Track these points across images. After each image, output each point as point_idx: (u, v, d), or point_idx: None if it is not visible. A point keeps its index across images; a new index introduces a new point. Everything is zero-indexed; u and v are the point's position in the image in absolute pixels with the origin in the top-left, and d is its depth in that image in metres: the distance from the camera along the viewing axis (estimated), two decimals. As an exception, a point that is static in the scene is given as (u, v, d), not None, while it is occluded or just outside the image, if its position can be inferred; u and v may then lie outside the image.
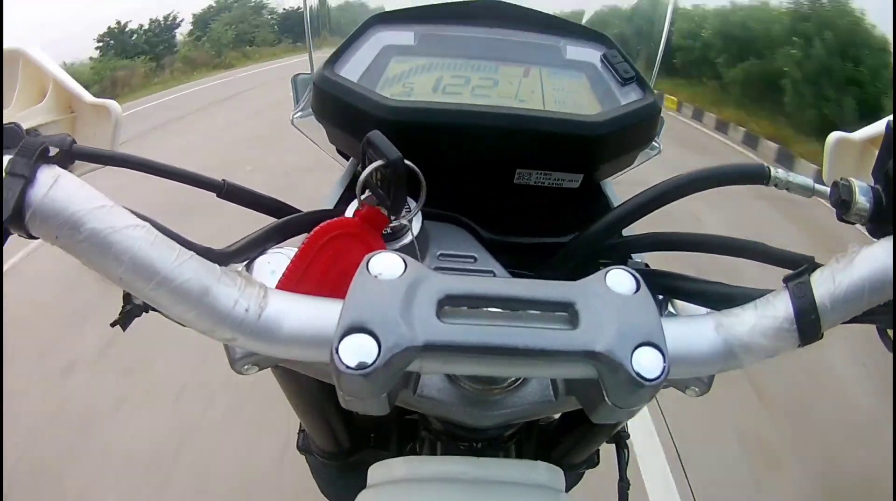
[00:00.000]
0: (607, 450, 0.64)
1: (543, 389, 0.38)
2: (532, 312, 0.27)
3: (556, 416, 0.61)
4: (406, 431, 0.57)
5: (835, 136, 0.51)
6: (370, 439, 0.61)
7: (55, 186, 0.26)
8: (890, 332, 0.33)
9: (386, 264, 0.26)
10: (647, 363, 0.24)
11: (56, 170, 0.26)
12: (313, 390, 0.50)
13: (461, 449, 0.45)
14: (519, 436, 0.48)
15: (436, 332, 0.25)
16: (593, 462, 0.64)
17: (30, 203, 0.25)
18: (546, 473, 0.41)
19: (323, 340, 0.26)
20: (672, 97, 8.11)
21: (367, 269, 0.26)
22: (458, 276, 0.27)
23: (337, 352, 0.24)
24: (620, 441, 0.62)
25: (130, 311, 0.38)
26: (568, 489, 0.62)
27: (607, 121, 0.40)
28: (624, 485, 0.62)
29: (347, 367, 0.23)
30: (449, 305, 0.26)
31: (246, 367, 0.36)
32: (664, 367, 0.24)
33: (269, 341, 0.27)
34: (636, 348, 0.25)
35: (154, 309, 0.37)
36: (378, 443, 0.60)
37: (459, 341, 0.25)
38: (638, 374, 0.24)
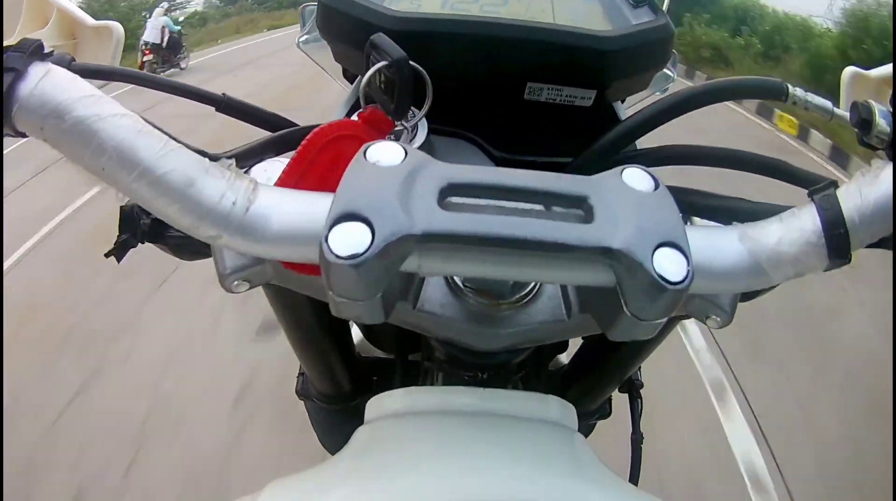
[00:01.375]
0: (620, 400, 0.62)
1: (555, 307, 0.36)
2: (541, 207, 0.25)
3: (566, 360, 0.60)
4: (410, 372, 0.56)
5: (850, 70, 0.50)
6: (373, 381, 0.60)
7: (45, 79, 0.24)
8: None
9: (385, 152, 0.24)
10: (669, 265, 0.22)
11: (48, 65, 0.25)
12: (312, 322, 0.48)
13: (465, 380, 0.44)
14: (527, 372, 0.47)
15: (436, 220, 0.22)
16: (605, 411, 0.62)
17: (17, 96, 0.24)
18: (558, 408, 0.38)
19: (314, 235, 0.24)
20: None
21: (365, 156, 0.24)
22: (463, 165, 0.25)
23: (326, 241, 0.22)
24: (633, 389, 0.60)
25: (125, 241, 0.37)
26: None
27: (620, 36, 0.38)
28: (637, 438, 0.59)
29: (338, 257, 0.21)
30: (452, 195, 0.24)
31: (236, 282, 0.34)
32: (688, 270, 0.22)
33: (256, 237, 0.25)
34: (657, 247, 0.22)
35: (150, 241, 0.37)
36: (381, 385, 0.59)
37: (462, 230, 0.22)
38: (660, 276, 0.22)
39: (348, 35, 0.40)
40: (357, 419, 0.39)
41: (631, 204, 0.24)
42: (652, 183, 0.25)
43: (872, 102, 0.31)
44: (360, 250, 0.22)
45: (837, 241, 0.25)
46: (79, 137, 0.24)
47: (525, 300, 0.36)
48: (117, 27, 0.44)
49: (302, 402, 0.65)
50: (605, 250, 0.22)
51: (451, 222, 0.23)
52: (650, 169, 0.26)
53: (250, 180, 0.26)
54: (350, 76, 0.49)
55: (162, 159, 0.25)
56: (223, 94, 0.38)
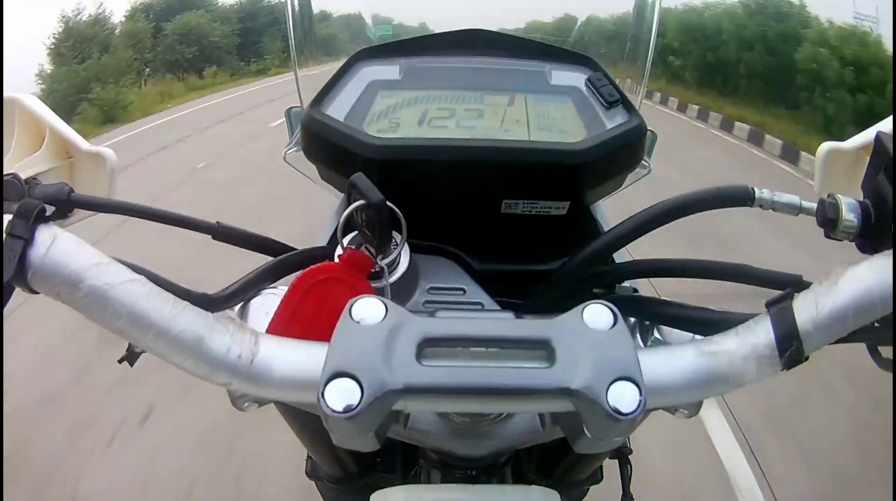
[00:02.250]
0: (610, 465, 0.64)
1: (531, 419, 0.39)
2: (510, 350, 0.28)
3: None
4: (410, 454, 0.58)
5: (826, 146, 0.50)
6: (377, 463, 0.62)
7: (53, 246, 0.27)
8: (882, 349, 0.32)
9: (368, 310, 0.27)
10: (623, 397, 0.25)
11: (53, 229, 0.28)
12: (316, 421, 0.50)
13: (457, 477, 0.46)
14: (517, 460, 0.49)
15: (415, 375, 0.26)
16: (597, 478, 0.64)
17: (30, 263, 0.27)
18: (540, 497, 0.41)
19: (311, 384, 0.27)
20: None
21: (350, 315, 0.28)
22: (437, 319, 0.29)
23: (323, 397, 0.25)
24: (623, 456, 0.63)
25: (136, 349, 0.39)
26: None
27: (591, 148, 0.41)
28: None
29: (333, 411, 0.25)
30: (429, 347, 0.27)
31: (246, 404, 0.38)
32: (640, 400, 0.25)
33: (261, 385, 0.28)
34: (612, 383, 0.25)
35: None
36: (384, 467, 0.61)
37: (438, 383, 0.26)
38: (614, 409, 0.25)
39: (331, 161, 0.43)
40: (364, 496, 0.41)
41: (589, 343, 0.26)
42: (611, 320, 0.28)
43: (839, 198, 0.33)
44: (353, 404, 0.25)
45: (791, 352, 0.28)
46: (94, 304, 0.27)
47: (503, 416, 0.38)
48: (110, 155, 0.46)
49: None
50: (565, 390, 0.25)
51: (428, 376, 0.26)
52: (614, 302, 0.29)
53: (252, 333, 0.29)
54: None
55: (172, 321, 0.28)
56: (217, 222, 0.40)
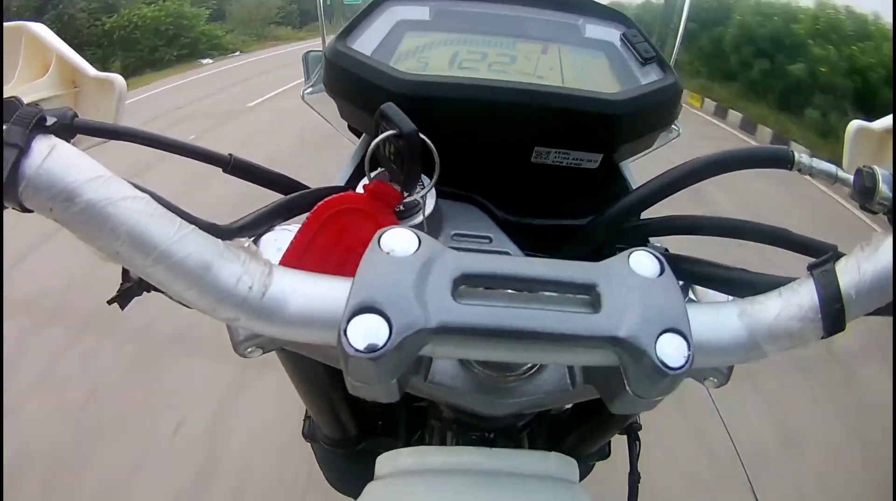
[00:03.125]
0: (619, 441, 0.62)
1: (560, 377, 0.36)
2: (552, 293, 0.25)
3: (569, 406, 0.60)
4: (415, 418, 0.56)
5: (855, 125, 0.50)
6: (378, 426, 0.60)
7: (50, 156, 0.24)
8: None
9: (399, 241, 0.25)
10: (671, 350, 0.23)
11: (52, 139, 0.25)
12: (319, 374, 0.48)
13: (472, 439, 0.44)
14: (531, 427, 0.47)
15: (450, 313, 0.23)
16: (605, 453, 0.63)
17: (23, 174, 0.24)
18: (559, 464, 0.39)
19: (331, 321, 0.24)
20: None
21: (379, 245, 0.25)
22: (475, 254, 0.26)
23: (345, 334, 0.22)
24: (632, 432, 0.61)
25: (129, 289, 0.36)
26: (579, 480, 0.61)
27: (628, 100, 0.39)
28: (634, 478, 0.60)
29: (356, 350, 0.22)
30: (465, 284, 0.24)
31: (249, 350, 0.34)
32: (689, 355, 0.23)
33: (273, 321, 0.25)
34: (660, 334, 0.23)
35: (155, 289, 0.37)
36: (386, 431, 0.59)
37: (475, 323, 0.23)
38: (662, 362, 0.23)
39: (355, 95, 0.40)
40: (363, 462, 0.39)
41: (637, 290, 0.25)
42: (658, 268, 0.26)
43: (876, 168, 0.32)
44: (379, 343, 0.22)
45: (833, 316, 0.26)
46: (90, 220, 0.24)
47: (531, 372, 0.36)
48: (119, 80, 0.43)
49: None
50: (612, 339, 0.23)
51: (465, 316, 0.23)
52: (656, 251, 0.26)
53: (265, 263, 0.26)
54: (355, 130, 0.49)
55: (177, 244, 0.25)
56: (230, 154, 0.38)
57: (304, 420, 0.63)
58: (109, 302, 0.37)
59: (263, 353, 0.35)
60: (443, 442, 0.46)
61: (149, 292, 0.36)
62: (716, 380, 0.37)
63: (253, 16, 15.53)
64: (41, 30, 0.49)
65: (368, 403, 0.61)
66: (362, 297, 0.23)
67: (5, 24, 0.48)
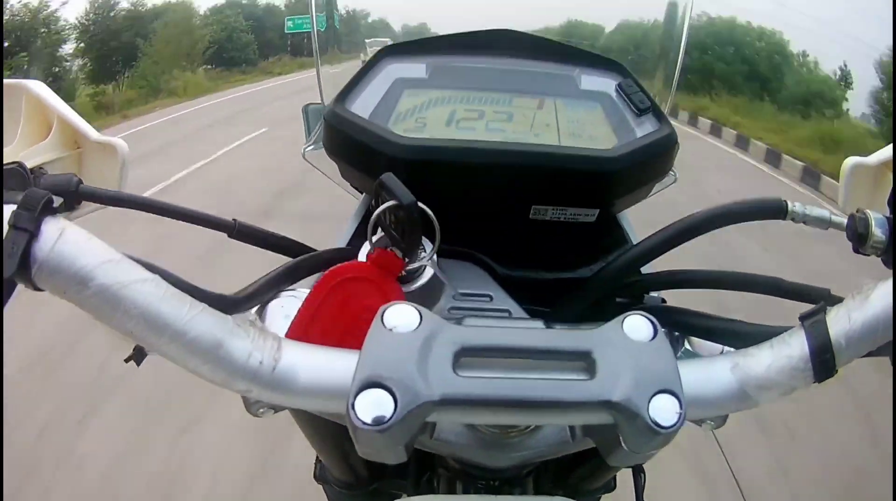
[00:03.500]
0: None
1: (560, 431, 0.37)
2: (549, 361, 0.27)
3: None
4: (424, 461, 0.56)
5: (850, 161, 0.51)
6: (387, 469, 0.60)
7: (61, 240, 0.25)
8: None
9: (401, 317, 0.26)
10: (663, 410, 0.24)
11: (61, 222, 0.26)
12: (329, 424, 0.49)
13: (479, 487, 0.44)
14: (537, 470, 0.47)
15: (452, 386, 0.24)
16: (610, 486, 0.63)
17: (35, 258, 0.24)
18: None
19: (339, 392, 0.25)
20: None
21: (382, 322, 0.26)
22: (474, 327, 0.27)
23: (353, 408, 0.23)
24: (637, 466, 0.61)
25: (144, 349, 0.37)
26: None
27: (623, 155, 0.40)
28: None
29: (364, 423, 0.23)
30: (465, 357, 0.26)
31: (261, 410, 0.36)
32: (680, 414, 0.24)
33: (284, 393, 0.27)
34: (653, 396, 0.25)
35: None
36: (396, 473, 0.59)
37: (476, 394, 0.25)
38: (655, 422, 0.24)
39: (355, 158, 0.41)
40: None
41: (630, 355, 0.26)
42: (651, 331, 0.27)
43: (869, 213, 0.33)
44: (385, 416, 0.23)
45: (823, 364, 0.27)
46: (104, 304, 0.25)
47: (532, 428, 0.37)
48: (122, 145, 0.44)
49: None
50: (606, 403, 0.25)
51: (466, 387, 0.25)
52: (651, 312, 0.28)
53: (273, 338, 0.27)
54: (359, 187, 0.50)
55: (188, 325, 0.26)
56: (234, 219, 0.38)
57: (316, 464, 0.64)
58: (126, 361, 0.38)
59: (275, 413, 0.37)
60: (450, 488, 0.47)
61: None
62: (712, 423, 0.39)
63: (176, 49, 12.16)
64: (41, 89, 0.49)
65: None
66: (368, 373, 0.24)
67: (5, 82, 0.49)
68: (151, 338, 0.25)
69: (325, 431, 0.51)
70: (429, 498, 0.41)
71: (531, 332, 0.27)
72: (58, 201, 0.28)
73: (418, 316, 0.26)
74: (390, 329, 0.26)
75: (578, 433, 0.37)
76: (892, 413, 1.66)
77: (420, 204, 0.32)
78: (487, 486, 0.44)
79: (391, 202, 0.32)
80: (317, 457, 0.62)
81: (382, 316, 0.26)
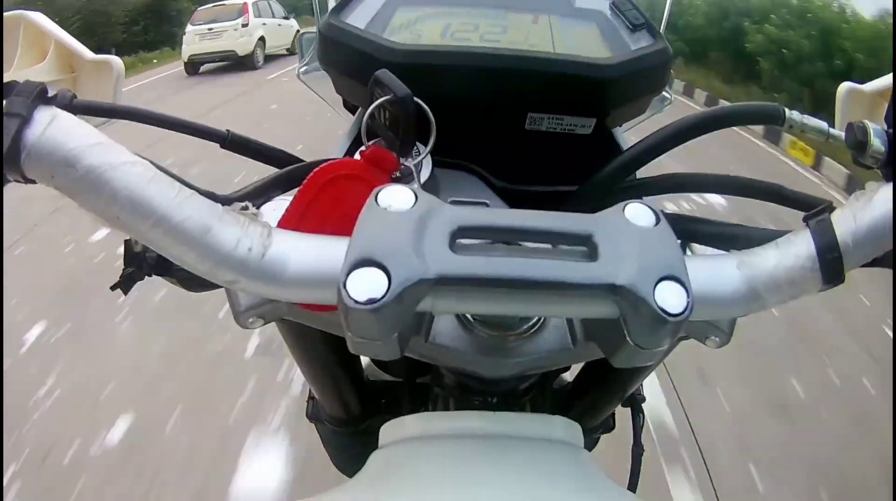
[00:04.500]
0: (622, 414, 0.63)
1: (561, 336, 0.37)
2: (549, 245, 0.26)
3: (570, 378, 0.60)
4: (418, 395, 0.57)
5: (846, 86, 0.50)
6: (381, 404, 0.60)
7: (52, 125, 0.25)
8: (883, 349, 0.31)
9: (396, 197, 0.25)
10: (670, 297, 0.23)
11: (54, 110, 0.25)
12: (322, 350, 0.49)
13: (475, 404, 0.44)
14: (534, 393, 0.47)
15: (449, 264, 0.23)
16: (609, 426, 0.63)
17: (25, 143, 0.24)
18: (564, 428, 0.39)
19: (331, 279, 0.24)
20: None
21: (376, 201, 0.25)
22: (472, 207, 0.26)
23: (345, 287, 0.22)
24: (636, 404, 0.61)
25: (131, 274, 0.37)
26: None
27: (619, 63, 0.39)
28: (638, 450, 0.60)
29: (356, 302, 0.22)
30: (462, 237, 0.25)
31: (251, 320, 0.35)
32: (688, 302, 0.23)
33: (273, 282, 0.26)
34: (658, 281, 0.23)
35: (157, 274, 0.37)
36: (389, 408, 0.60)
37: (474, 272, 0.23)
38: (661, 309, 0.23)
39: (350, 67, 0.41)
40: (367, 440, 0.39)
41: (634, 240, 0.25)
42: (653, 218, 0.26)
43: (867, 123, 0.32)
44: (378, 296, 0.22)
45: (831, 265, 0.26)
46: (91, 186, 0.24)
47: (532, 331, 0.36)
48: (116, 62, 0.43)
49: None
50: (610, 286, 0.23)
51: (463, 266, 0.23)
52: (651, 203, 0.27)
53: (264, 226, 0.26)
54: (350, 107, 0.50)
55: (176, 207, 0.25)
56: (227, 130, 0.38)
57: (308, 401, 0.64)
58: (112, 288, 0.37)
59: (265, 323, 0.36)
60: (446, 409, 0.47)
61: (150, 275, 0.37)
62: (717, 339, 0.37)
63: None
64: (39, 18, 0.49)
65: (372, 381, 0.62)
66: (361, 251, 0.23)
67: (5, 14, 0.49)
68: (137, 222, 0.25)
69: (319, 357, 0.51)
70: (423, 416, 0.40)
71: (531, 214, 0.26)
72: (53, 91, 0.27)
73: (413, 196, 0.25)
74: (384, 208, 0.25)
75: (580, 337, 0.36)
76: (892, 413, 1.60)
77: (416, 99, 0.31)
78: (484, 403, 0.44)
79: (386, 97, 0.31)
80: (309, 393, 0.62)
81: (377, 196, 0.25)
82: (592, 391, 0.55)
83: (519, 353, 0.36)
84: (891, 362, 1.93)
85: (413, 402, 0.57)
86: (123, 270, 0.36)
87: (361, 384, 0.58)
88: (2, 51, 0.45)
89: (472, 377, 0.42)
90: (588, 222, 0.25)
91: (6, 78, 0.44)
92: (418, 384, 0.57)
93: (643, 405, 0.61)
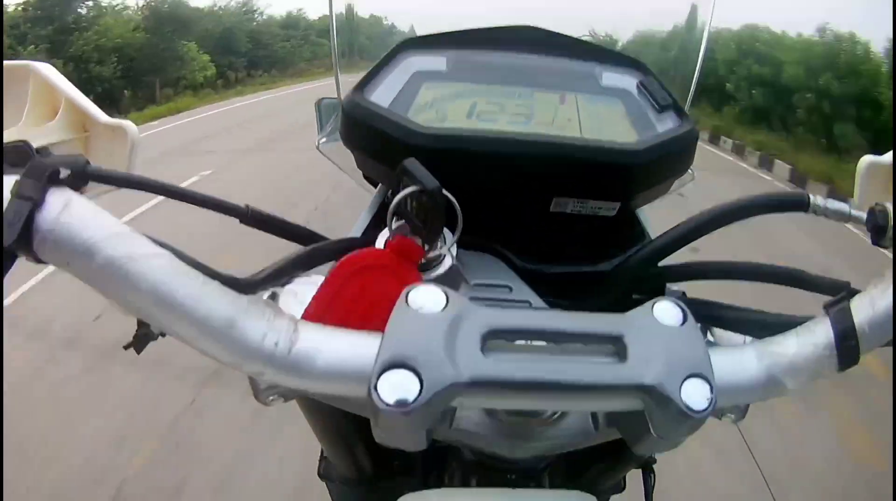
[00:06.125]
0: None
1: (583, 420, 0.36)
2: (578, 345, 0.26)
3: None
4: (433, 458, 0.55)
5: (866, 160, 0.51)
6: (395, 466, 0.58)
7: (66, 211, 0.24)
8: None
9: (427, 298, 0.25)
10: (695, 395, 0.24)
11: (67, 193, 0.25)
12: (337, 416, 0.47)
13: (494, 480, 0.43)
14: (551, 465, 0.46)
15: (481, 367, 0.23)
16: (620, 487, 0.62)
17: (38, 228, 0.23)
18: None
19: (360, 375, 0.24)
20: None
21: (407, 302, 0.25)
22: (502, 309, 0.26)
23: (375, 389, 0.22)
24: (647, 466, 0.61)
25: (145, 334, 0.36)
26: None
27: (646, 149, 0.39)
28: None
29: (387, 404, 0.22)
30: (493, 339, 0.25)
31: (271, 398, 0.35)
32: (711, 398, 0.24)
33: (301, 376, 0.25)
34: (685, 380, 0.24)
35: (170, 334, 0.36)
36: (403, 470, 0.58)
37: (506, 376, 0.24)
38: (687, 406, 0.24)
39: (374, 148, 0.40)
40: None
41: (662, 339, 0.25)
42: (681, 317, 0.26)
43: (888, 206, 0.33)
44: (410, 399, 0.22)
45: (848, 351, 0.27)
46: (111, 278, 0.24)
47: (556, 417, 0.36)
48: (132, 128, 0.42)
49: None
50: (639, 386, 0.24)
51: (495, 369, 0.24)
52: (678, 300, 0.27)
53: (290, 319, 0.26)
54: (370, 179, 0.49)
55: (200, 301, 0.24)
56: (246, 205, 0.37)
57: (320, 460, 0.62)
58: (126, 348, 0.37)
59: (286, 401, 0.36)
60: (464, 483, 0.46)
61: (164, 336, 0.36)
62: (733, 416, 0.39)
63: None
64: (49, 71, 0.48)
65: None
66: (393, 352, 0.23)
67: (11, 63, 0.48)
68: (160, 315, 0.24)
69: (333, 422, 0.49)
70: (444, 492, 0.39)
71: (561, 315, 0.26)
72: (65, 173, 0.26)
73: (445, 297, 0.25)
74: (416, 310, 0.25)
75: (602, 422, 0.36)
76: (892, 412, 1.66)
77: (444, 191, 0.31)
78: (503, 480, 0.43)
79: (413, 187, 0.31)
80: (321, 453, 0.61)
81: (407, 296, 0.25)
82: (608, 458, 0.54)
83: (541, 437, 0.36)
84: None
85: (426, 466, 0.55)
86: (137, 329, 0.36)
87: (374, 445, 0.56)
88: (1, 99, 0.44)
89: (492, 456, 0.41)
90: (618, 324, 0.26)
91: (15, 135, 0.43)
92: (434, 448, 0.55)
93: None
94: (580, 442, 0.37)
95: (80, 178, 0.36)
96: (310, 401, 0.45)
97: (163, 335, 0.35)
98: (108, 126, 0.44)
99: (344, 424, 0.50)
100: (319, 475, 0.62)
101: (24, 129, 0.44)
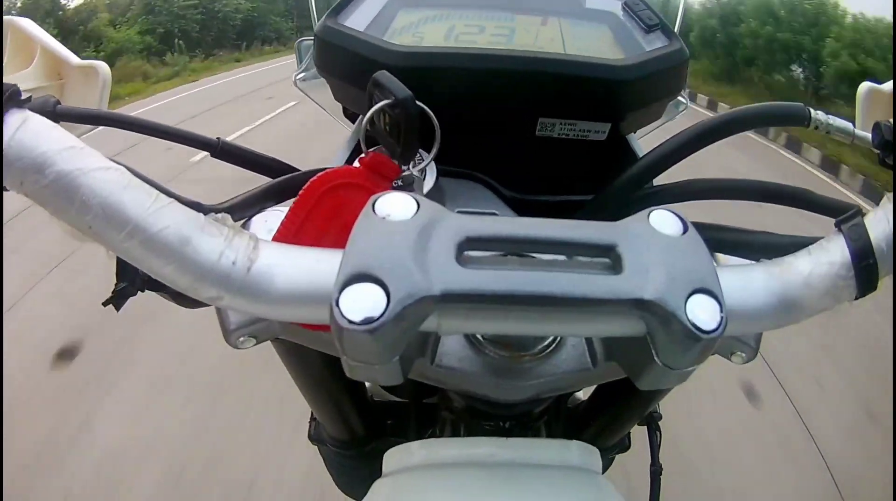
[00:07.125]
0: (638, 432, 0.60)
1: (579, 355, 0.34)
2: (566, 257, 0.23)
3: (585, 397, 0.57)
4: (425, 416, 0.53)
5: (866, 86, 0.49)
6: (387, 426, 0.57)
7: (22, 128, 0.22)
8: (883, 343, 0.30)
9: (395, 205, 0.23)
10: (702, 312, 0.21)
11: (25, 113, 0.23)
12: (321, 369, 0.46)
13: (486, 430, 0.41)
14: (548, 416, 0.44)
15: (456, 278, 0.21)
16: (625, 445, 0.60)
17: None
18: (581, 453, 0.37)
19: (323, 295, 0.22)
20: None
21: (374, 210, 0.23)
22: (481, 216, 0.23)
23: (337, 305, 0.20)
24: (653, 422, 0.58)
25: (124, 290, 0.35)
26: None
27: (634, 65, 0.37)
28: (656, 469, 0.57)
29: (350, 322, 0.20)
30: (470, 249, 0.22)
31: (241, 339, 0.32)
32: (722, 317, 0.21)
33: (259, 298, 0.23)
34: (690, 295, 0.21)
35: (150, 289, 0.35)
36: (395, 431, 0.57)
37: (484, 288, 0.21)
38: (694, 325, 0.21)
39: (348, 72, 0.38)
40: (373, 463, 0.37)
41: (661, 250, 0.22)
42: (681, 226, 0.24)
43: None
44: (375, 315, 0.20)
45: (866, 272, 0.25)
46: (61, 192, 0.22)
47: (548, 351, 0.34)
48: (103, 67, 0.41)
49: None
50: (637, 301, 0.21)
51: (471, 281, 0.21)
52: (677, 210, 0.24)
53: (250, 237, 0.24)
54: (351, 115, 0.47)
55: (153, 216, 0.23)
56: (217, 138, 0.36)
57: (310, 422, 0.61)
58: (104, 304, 0.35)
59: (257, 343, 0.33)
60: (455, 435, 0.44)
61: (143, 291, 0.35)
62: (743, 355, 0.35)
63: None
64: (27, 24, 0.47)
65: (376, 403, 0.59)
66: (355, 264, 0.21)
67: None
68: (110, 233, 0.22)
69: (318, 378, 0.48)
70: (430, 442, 0.37)
71: (546, 222, 0.23)
72: (27, 96, 0.25)
73: (415, 204, 0.23)
74: (383, 218, 0.22)
75: (600, 357, 0.33)
76: (892, 409, 1.61)
77: (418, 101, 0.29)
78: (496, 428, 0.41)
79: (385, 101, 0.29)
80: (311, 415, 0.59)
81: (374, 204, 0.23)
82: (609, 411, 0.52)
83: (533, 375, 0.33)
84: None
85: (420, 424, 0.54)
86: (115, 285, 0.34)
87: (365, 405, 0.55)
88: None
89: (483, 401, 0.39)
90: (610, 231, 0.23)
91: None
92: (426, 405, 0.54)
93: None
94: (577, 381, 0.35)
95: (51, 116, 0.35)
96: (289, 349, 0.43)
97: (142, 289, 0.34)
98: (81, 69, 0.43)
99: (329, 380, 0.48)
100: (310, 437, 0.61)
101: (-1, 78, 0.44)
